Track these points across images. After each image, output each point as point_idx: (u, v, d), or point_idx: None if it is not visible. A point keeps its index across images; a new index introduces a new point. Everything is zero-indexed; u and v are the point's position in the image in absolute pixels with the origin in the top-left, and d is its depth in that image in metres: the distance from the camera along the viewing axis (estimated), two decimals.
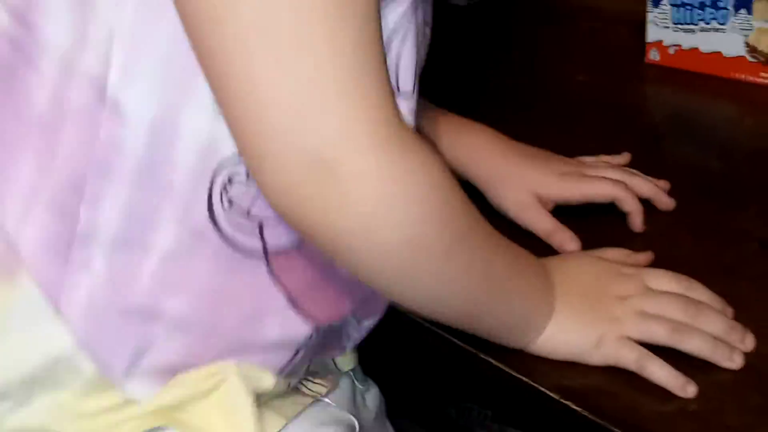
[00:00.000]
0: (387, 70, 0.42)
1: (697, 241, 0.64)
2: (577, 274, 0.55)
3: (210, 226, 0.45)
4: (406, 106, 0.47)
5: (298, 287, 0.48)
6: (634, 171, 0.68)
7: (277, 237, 0.47)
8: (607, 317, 0.53)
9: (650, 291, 0.54)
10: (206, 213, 0.45)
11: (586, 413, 0.50)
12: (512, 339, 0.53)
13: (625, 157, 0.72)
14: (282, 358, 0.49)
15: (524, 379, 0.53)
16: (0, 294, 0.45)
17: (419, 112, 0.52)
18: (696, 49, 0.86)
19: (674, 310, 0.53)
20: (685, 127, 0.83)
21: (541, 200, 0.65)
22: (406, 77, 0.48)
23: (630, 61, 0.91)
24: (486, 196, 0.66)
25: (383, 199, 0.42)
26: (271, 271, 0.47)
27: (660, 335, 0.52)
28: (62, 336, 0.45)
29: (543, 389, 0.52)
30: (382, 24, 0.42)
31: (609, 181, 0.65)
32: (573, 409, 0.51)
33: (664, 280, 0.55)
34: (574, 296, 0.54)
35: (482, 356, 0.55)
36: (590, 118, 0.84)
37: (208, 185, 0.45)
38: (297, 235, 0.46)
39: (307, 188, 0.41)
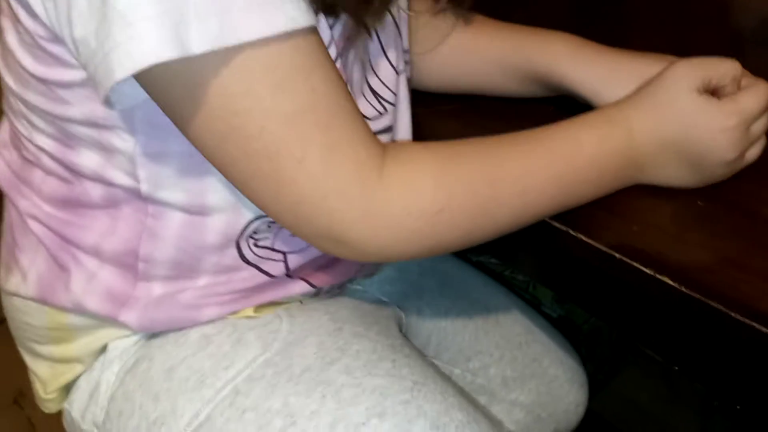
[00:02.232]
0: (360, 122, 0.49)
1: None
2: (668, 142, 0.55)
3: (242, 263, 0.59)
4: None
5: (310, 275, 0.63)
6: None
7: (297, 260, 0.60)
8: (706, 178, 0.56)
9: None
10: (237, 256, 0.58)
11: (683, 289, 0.49)
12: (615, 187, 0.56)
13: None
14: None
15: (616, 255, 0.52)
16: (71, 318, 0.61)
17: (493, 38, 0.64)
18: None
19: None
20: None
21: None
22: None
23: None
24: (589, 101, 0.62)
25: (386, 240, 0.49)
26: (289, 275, 0.61)
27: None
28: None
29: (638, 265, 0.51)
30: None
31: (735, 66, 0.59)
32: (670, 285, 0.49)
33: None
34: (669, 165, 0.55)
35: (573, 234, 0.54)
36: (679, 14, 0.81)
37: (236, 238, 0.57)
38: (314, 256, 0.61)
39: (332, 249, 0.51)
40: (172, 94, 0.45)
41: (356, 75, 0.57)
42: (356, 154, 0.47)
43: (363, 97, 0.58)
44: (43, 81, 0.52)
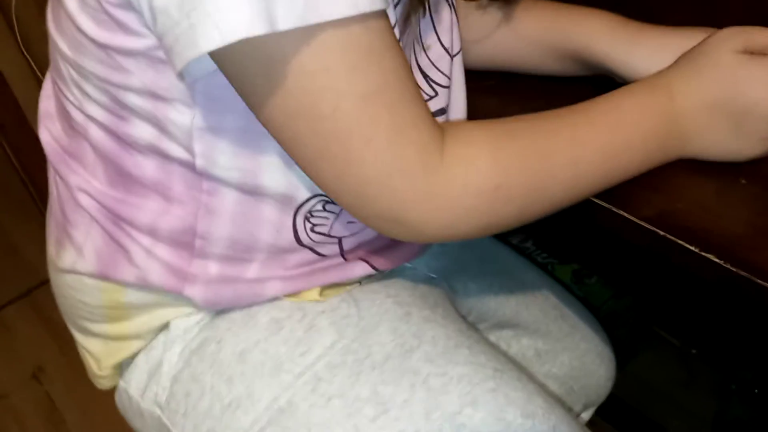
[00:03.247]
0: (423, 104, 0.49)
1: None
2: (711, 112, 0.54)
3: (297, 246, 0.59)
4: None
5: (371, 258, 0.64)
6: None
7: (352, 243, 0.61)
8: (751, 143, 0.54)
9: None
10: (293, 238, 0.59)
11: (728, 266, 0.49)
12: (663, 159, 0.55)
13: None
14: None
15: (660, 231, 0.52)
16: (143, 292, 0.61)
17: (527, 15, 0.64)
18: None
19: None
20: None
21: None
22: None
23: None
24: (625, 80, 0.62)
25: (445, 221, 0.50)
26: (345, 257, 0.62)
27: None
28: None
29: (683, 243, 0.51)
30: None
31: None
32: (715, 262, 0.50)
33: None
34: (713, 128, 0.54)
35: (615, 210, 0.54)
36: None
37: (291, 220, 0.58)
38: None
39: (390, 229, 0.51)
40: (247, 68, 0.45)
41: (408, 56, 0.57)
42: (420, 135, 0.48)
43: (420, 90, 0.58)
44: (103, 47, 0.51)
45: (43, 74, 0.63)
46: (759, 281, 0.48)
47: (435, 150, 0.48)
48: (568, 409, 0.84)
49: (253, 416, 0.57)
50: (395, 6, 0.52)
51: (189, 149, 0.54)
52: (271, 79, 0.45)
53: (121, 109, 0.54)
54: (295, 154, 0.49)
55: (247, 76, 0.46)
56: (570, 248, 0.97)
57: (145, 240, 0.58)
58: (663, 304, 1.24)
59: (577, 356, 0.82)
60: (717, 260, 0.50)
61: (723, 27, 0.57)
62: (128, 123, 0.54)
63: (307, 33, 0.43)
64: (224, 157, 0.53)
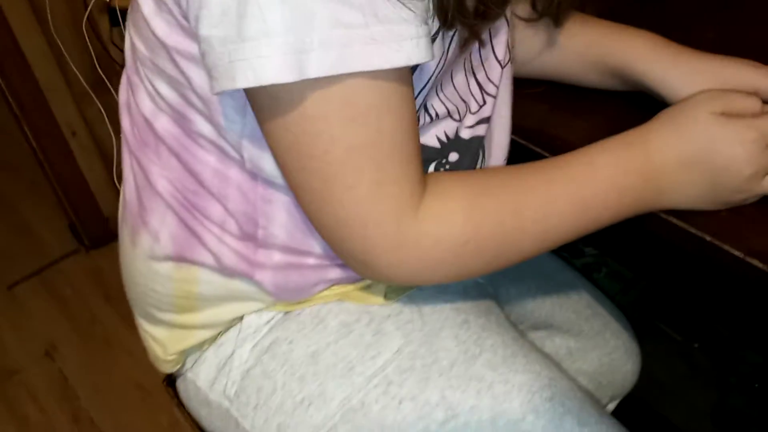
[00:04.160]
0: (413, 163, 0.52)
1: None
2: (688, 164, 0.56)
3: None
4: (447, 128, 0.61)
5: None
6: None
7: None
8: (725, 198, 0.57)
9: None
10: None
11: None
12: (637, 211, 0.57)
13: None
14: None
15: (707, 237, 0.56)
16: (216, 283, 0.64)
17: (573, 30, 0.67)
18: None
19: None
20: None
21: None
22: (440, 104, 0.60)
23: None
24: (663, 99, 0.64)
25: (413, 270, 0.53)
26: None
27: None
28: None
29: (728, 248, 0.55)
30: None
31: None
32: (758, 268, 0.54)
33: None
34: (689, 184, 0.56)
35: (664, 217, 0.58)
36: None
37: None
38: None
39: (360, 270, 0.55)
40: (260, 96, 0.50)
41: (459, 78, 0.60)
42: (401, 192, 0.51)
43: (470, 94, 0.61)
44: (172, 49, 0.55)
45: (66, 58, 0.66)
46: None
47: (412, 206, 0.52)
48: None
49: (325, 413, 0.60)
50: (450, 36, 0.55)
51: (240, 154, 0.57)
52: (275, 110, 0.49)
53: (186, 105, 0.57)
54: (286, 178, 0.53)
55: (260, 103, 0.50)
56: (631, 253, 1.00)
57: (216, 229, 0.61)
58: (668, 298, 1.28)
59: (607, 353, 0.86)
60: (760, 266, 0.54)
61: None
62: (192, 120, 0.58)
63: (319, 82, 0.47)
64: (271, 164, 0.57)
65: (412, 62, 0.48)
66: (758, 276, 0.54)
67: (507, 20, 0.63)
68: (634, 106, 0.67)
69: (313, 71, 0.46)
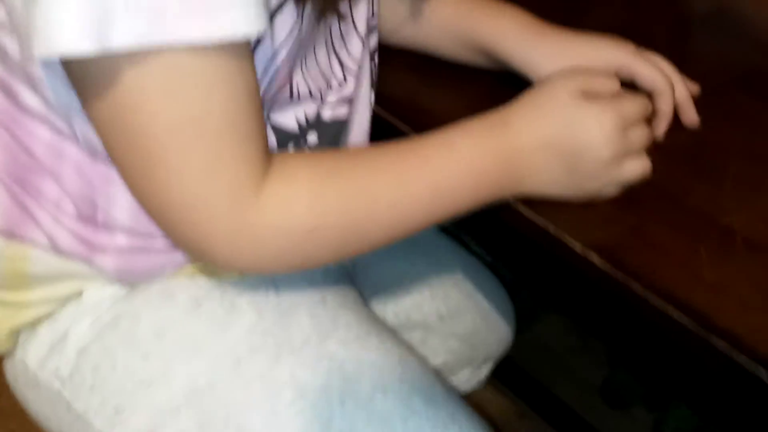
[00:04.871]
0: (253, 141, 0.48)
1: (729, 127, 0.65)
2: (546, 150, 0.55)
3: None
4: (308, 108, 0.58)
5: None
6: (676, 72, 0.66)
7: None
8: (586, 185, 0.56)
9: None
10: None
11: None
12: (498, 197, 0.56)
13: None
14: None
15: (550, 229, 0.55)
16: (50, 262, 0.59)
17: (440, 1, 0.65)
18: None
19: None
20: (728, 19, 0.82)
21: None
22: (303, 82, 0.57)
23: None
24: (528, 79, 0.64)
25: (251, 260, 0.51)
26: None
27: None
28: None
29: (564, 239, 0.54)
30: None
31: (661, 72, 0.63)
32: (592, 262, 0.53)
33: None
34: (549, 168, 0.55)
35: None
36: None
37: None
38: None
39: (197, 258, 0.54)
40: (70, 64, 0.46)
41: (321, 54, 0.58)
42: (235, 175, 0.47)
43: (331, 71, 0.59)
44: None
45: None
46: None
47: (250, 190, 0.48)
48: (471, 365, 0.88)
49: (169, 395, 0.58)
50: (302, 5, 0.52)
51: (72, 129, 0.53)
52: (87, 84, 0.45)
53: (10, 76, 0.53)
54: (111, 156, 0.49)
55: (69, 70, 0.46)
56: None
57: (51, 207, 0.57)
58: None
59: (480, 315, 0.85)
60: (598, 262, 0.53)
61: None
62: (18, 92, 0.54)
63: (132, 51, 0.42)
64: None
65: (238, 36, 0.44)
66: (597, 272, 0.53)
67: None
68: (506, 80, 0.65)
69: (117, 41, 0.41)
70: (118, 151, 0.48)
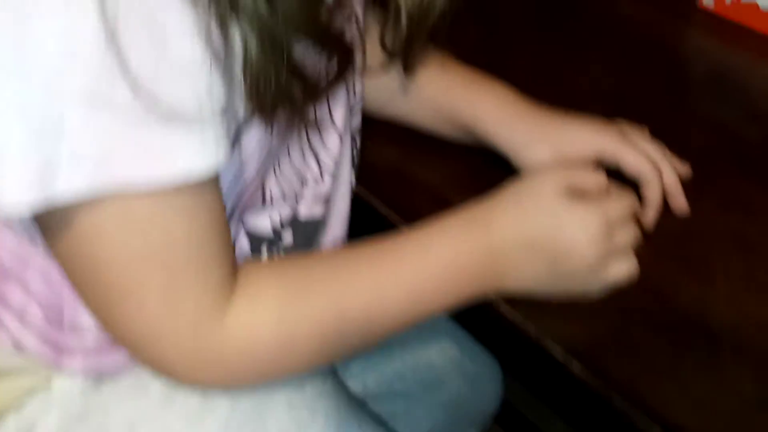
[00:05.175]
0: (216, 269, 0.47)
1: (721, 212, 0.63)
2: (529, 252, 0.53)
3: None
4: (283, 210, 0.56)
5: None
6: (667, 153, 0.63)
7: None
8: (569, 287, 0.54)
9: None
10: None
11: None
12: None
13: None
14: None
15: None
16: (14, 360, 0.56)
17: (426, 77, 0.63)
18: (755, 4, 0.82)
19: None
20: (724, 85, 0.80)
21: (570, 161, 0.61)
22: (276, 186, 0.55)
23: (682, 2, 0.87)
24: (510, 161, 0.62)
25: (217, 381, 0.51)
26: None
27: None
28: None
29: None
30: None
31: (648, 159, 0.61)
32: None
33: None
34: (530, 268, 0.53)
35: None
36: (626, 52, 0.81)
37: None
38: None
39: (164, 377, 0.51)
40: None
41: (295, 153, 0.56)
42: (197, 304, 0.46)
43: (306, 168, 0.57)
44: None
45: None
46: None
47: (214, 317, 0.47)
48: None
49: None
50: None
51: (35, 236, 0.51)
52: (44, 224, 0.45)
53: None
54: (70, 282, 0.48)
55: None
56: None
57: (17, 312, 0.55)
58: None
59: (466, 382, 0.83)
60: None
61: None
62: None
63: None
64: None
65: (194, 174, 0.42)
66: (577, 381, 0.51)
67: (348, 89, 0.58)
68: (492, 155, 0.64)
69: (62, 190, 0.40)
70: (79, 285, 0.47)
